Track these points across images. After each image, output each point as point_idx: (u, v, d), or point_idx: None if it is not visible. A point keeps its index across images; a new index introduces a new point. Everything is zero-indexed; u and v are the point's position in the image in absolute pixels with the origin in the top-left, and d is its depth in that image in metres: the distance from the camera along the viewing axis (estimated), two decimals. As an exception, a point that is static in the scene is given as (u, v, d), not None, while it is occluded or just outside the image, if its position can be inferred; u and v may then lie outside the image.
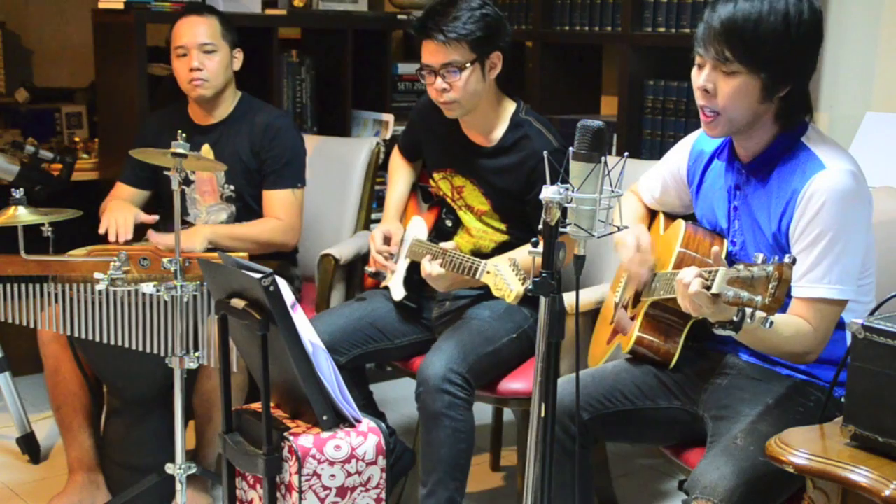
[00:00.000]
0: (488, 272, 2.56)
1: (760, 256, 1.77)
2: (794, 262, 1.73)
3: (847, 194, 2.10)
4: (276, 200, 3.25)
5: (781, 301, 1.73)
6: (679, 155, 2.49)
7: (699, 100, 2.20)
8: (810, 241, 2.11)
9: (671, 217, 2.55)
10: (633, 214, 2.57)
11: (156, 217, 3.18)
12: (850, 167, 2.13)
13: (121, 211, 3.12)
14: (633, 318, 2.43)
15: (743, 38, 2.08)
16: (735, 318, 1.86)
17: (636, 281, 2.40)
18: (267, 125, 3.26)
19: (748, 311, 1.77)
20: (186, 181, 3.27)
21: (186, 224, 3.27)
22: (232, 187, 3.26)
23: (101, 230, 3.07)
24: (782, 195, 2.17)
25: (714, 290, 1.82)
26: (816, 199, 2.10)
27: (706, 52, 2.14)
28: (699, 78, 2.17)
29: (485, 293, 2.83)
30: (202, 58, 3.16)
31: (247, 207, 3.29)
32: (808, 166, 2.15)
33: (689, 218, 2.45)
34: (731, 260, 2.28)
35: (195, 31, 3.17)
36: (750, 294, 1.74)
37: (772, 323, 1.79)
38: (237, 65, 3.27)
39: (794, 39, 2.09)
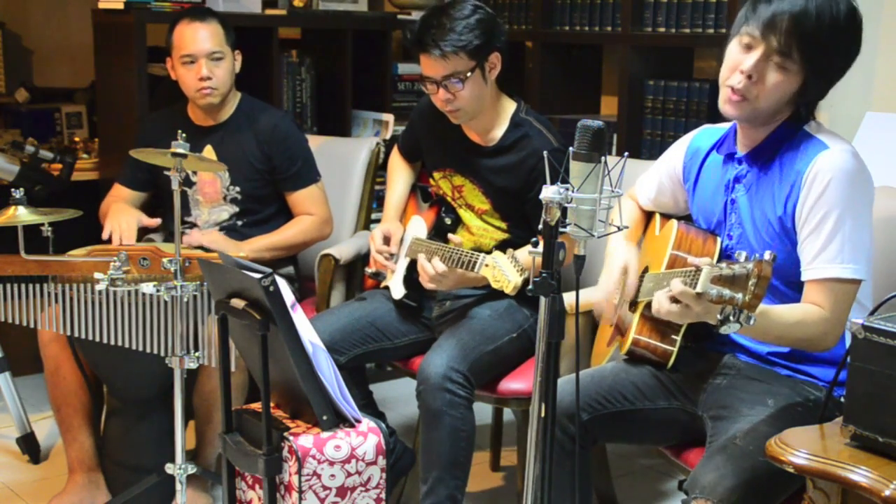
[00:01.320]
0: (486, 265, 2.57)
1: (743, 254, 1.77)
2: (774, 259, 1.73)
3: (851, 172, 2.10)
4: (304, 199, 3.31)
5: (761, 298, 1.73)
6: (676, 153, 2.49)
7: (732, 81, 2.12)
8: (818, 221, 2.10)
9: (667, 217, 2.54)
10: (622, 240, 2.55)
11: (158, 221, 3.19)
12: (851, 148, 2.14)
13: (123, 215, 3.12)
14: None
15: (816, 39, 2.03)
16: (719, 317, 1.86)
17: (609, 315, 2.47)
18: (273, 127, 3.27)
19: (734, 307, 1.78)
20: (187, 182, 3.26)
21: (187, 224, 3.27)
22: (237, 188, 3.26)
23: (105, 235, 3.08)
24: (787, 178, 2.17)
25: (698, 288, 1.82)
26: (821, 178, 2.10)
27: (765, 38, 2.07)
28: (745, 61, 2.10)
29: (485, 293, 2.83)
30: (211, 66, 3.15)
31: (250, 209, 3.28)
32: (810, 148, 2.15)
33: (683, 218, 2.45)
34: (727, 255, 2.28)
35: (203, 39, 3.14)
36: (732, 292, 1.75)
37: (754, 319, 1.78)
38: (238, 67, 3.27)
39: (854, 46, 2.10)
